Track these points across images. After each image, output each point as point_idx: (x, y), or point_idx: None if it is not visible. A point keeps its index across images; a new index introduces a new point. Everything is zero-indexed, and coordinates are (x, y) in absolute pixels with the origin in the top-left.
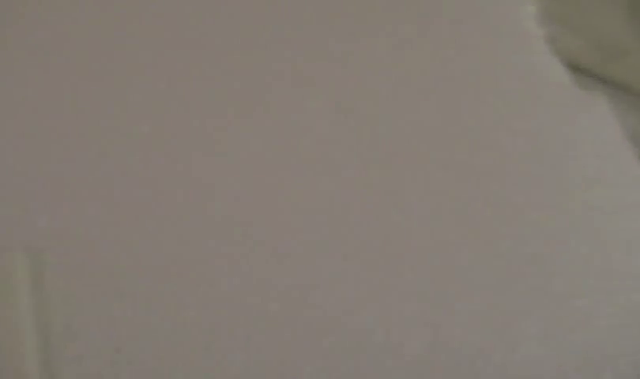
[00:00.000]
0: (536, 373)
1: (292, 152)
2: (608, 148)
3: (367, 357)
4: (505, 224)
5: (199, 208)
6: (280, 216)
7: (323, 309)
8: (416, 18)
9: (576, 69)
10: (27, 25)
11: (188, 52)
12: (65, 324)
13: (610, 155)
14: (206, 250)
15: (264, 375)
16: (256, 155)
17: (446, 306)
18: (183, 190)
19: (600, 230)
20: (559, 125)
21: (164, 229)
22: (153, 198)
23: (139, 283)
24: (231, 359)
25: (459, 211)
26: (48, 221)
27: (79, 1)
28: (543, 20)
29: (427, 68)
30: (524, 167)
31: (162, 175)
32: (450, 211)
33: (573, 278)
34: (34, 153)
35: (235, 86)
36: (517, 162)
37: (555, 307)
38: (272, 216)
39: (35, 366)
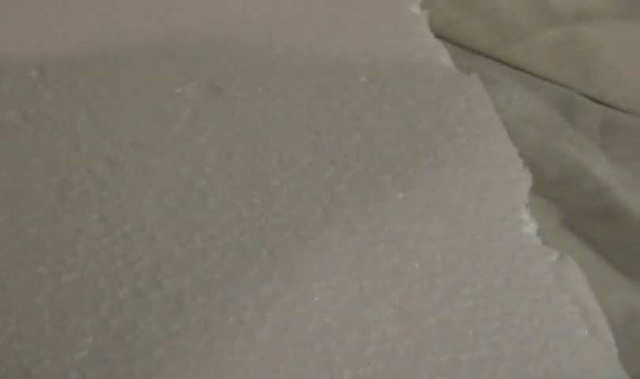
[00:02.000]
0: (392, 353)
1: None
2: (479, 129)
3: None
4: (365, 202)
5: None
6: None
7: None
8: None
9: (475, 52)
10: None
11: None
12: None
13: (481, 136)
14: None
15: None
16: None
17: (300, 287)
18: None
19: (463, 209)
20: (434, 106)
21: None
22: None
23: None
24: None
25: (315, 190)
26: None
27: None
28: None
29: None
30: (394, 148)
31: None
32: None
33: (432, 257)
34: None
35: None
36: (389, 141)
37: (413, 287)
38: None
39: None
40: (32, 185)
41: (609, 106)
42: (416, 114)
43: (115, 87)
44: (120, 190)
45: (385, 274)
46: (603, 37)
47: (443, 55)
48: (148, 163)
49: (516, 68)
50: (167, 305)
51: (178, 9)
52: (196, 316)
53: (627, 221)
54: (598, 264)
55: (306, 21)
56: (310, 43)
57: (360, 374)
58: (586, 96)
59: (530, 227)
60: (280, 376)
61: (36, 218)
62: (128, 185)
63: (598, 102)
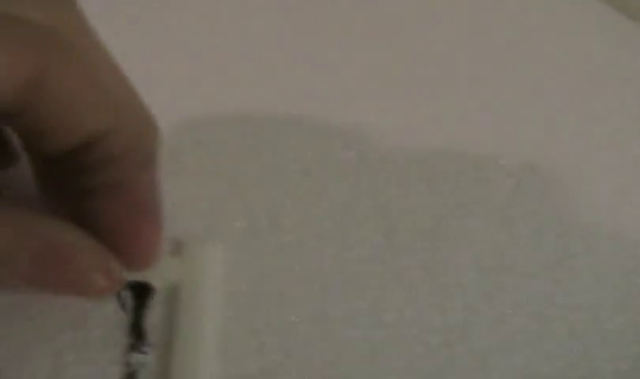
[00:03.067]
0: None
1: None
2: None
3: None
4: None
5: None
6: None
7: None
8: None
9: None
10: None
11: None
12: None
13: None
14: None
15: None
16: None
17: None
18: None
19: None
20: None
21: None
22: None
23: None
24: None
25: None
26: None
27: None
28: None
29: None
30: None
31: None
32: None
33: None
34: None
35: None
36: None
37: None
38: None
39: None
40: (363, 224)
41: None
42: None
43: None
44: (442, 245)
45: None
46: None
47: None
48: (469, 224)
49: None
50: (472, 361)
51: None
52: (497, 374)
53: None
54: None
55: None
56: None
57: None
58: None
59: None
60: None
61: (363, 255)
62: (450, 240)
63: None
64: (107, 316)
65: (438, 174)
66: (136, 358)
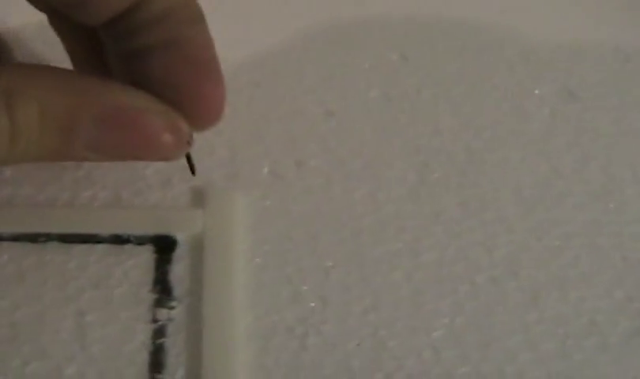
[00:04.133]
0: None
1: None
2: None
3: None
4: None
5: None
6: None
7: None
8: None
9: None
10: None
11: None
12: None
13: None
14: None
15: None
16: None
17: None
18: None
19: None
20: None
21: None
22: None
23: None
24: None
25: None
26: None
27: None
28: None
29: None
30: None
31: None
32: None
33: None
34: None
35: None
36: None
37: None
38: None
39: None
40: (393, 163)
41: None
42: None
43: (474, 80)
44: (479, 179)
45: None
46: None
47: None
48: (507, 156)
49: None
50: (522, 296)
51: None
52: (550, 310)
53: None
54: None
55: None
56: None
57: None
58: None
59: None
60: None
61: (396, 195)
62: (487, 175)
63: None
64: (129, 272)
65: (467, 108)
66: (163, 313)
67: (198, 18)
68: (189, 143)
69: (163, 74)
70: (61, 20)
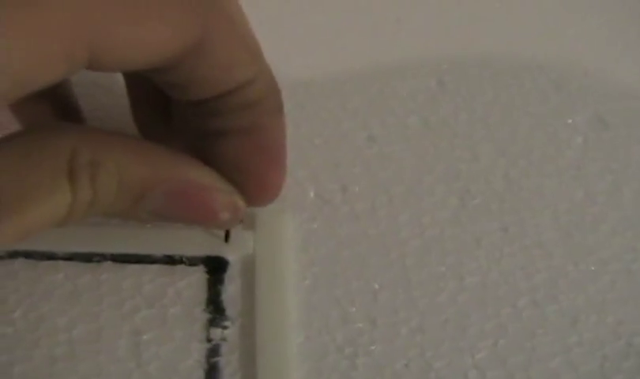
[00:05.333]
0: None
1: None
2: None
3: None
4: None
5: None
6: None
7: None
8: None
9: None
10: None
11: None
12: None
13: None
14: None
15: None
16: None
17: None
18: None
19: None
20: None
21: None
22: None
23: None
24: None
25: None
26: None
27: None
28: None
29: None
30: None
31: None
32: None
33: None
34: None
35: None
36: None
37: None
38: None
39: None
40: (435, 188)
41: None
42: None
43: (509, 107)
44: (518, 205)
45: None
46: None
47: None
48: (543, 183)
49: None
50: (562, 320)
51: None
52: (589, 333)
53: None
54: None
55: None
56: None
57: None
58: None
59: None
60: None
61: (439, 219)
62: (525, 201)
63: None
64: (182, 292)
65: (505, 135)
66: (217, 332)
67: (280, 108)
68: (242, 220)
69: (234, 156)
70: (140, 83)
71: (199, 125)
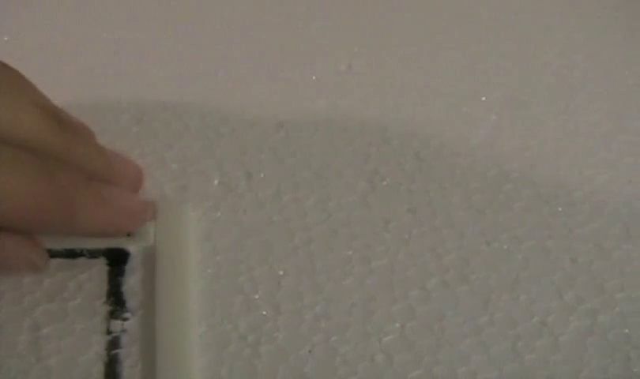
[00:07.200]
0: None
1: None
2: None
3: None
4: None
5: None
6: None
7: None
8: None
9: None
10: None
11: None
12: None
13: None
14: None
15: None
16: None
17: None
18: None
19: None
20: None
21: None
22: None
23: None
24: None
25: (614, 206)
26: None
27: None
28: None
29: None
30: None
31: None
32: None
33: None
34: None
35: None
36: None
37: None
38: None
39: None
40: (343, 171)
41: None
42: None
43: (422, 88)
44: (428, 186)
45: None
46: None
47: None
48: (454, 162)
49: None
50: (473, 300)
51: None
52: (501, 313)
53: None
54: None
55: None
56: (608, 68)
57: None
58: None
59: None
60: None
61: (346, 203)
62: (436, 181)
63: None
64: (84, 285)
65: (418, 113)
66: (117, 324)
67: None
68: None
69: None
70: None
71: None
